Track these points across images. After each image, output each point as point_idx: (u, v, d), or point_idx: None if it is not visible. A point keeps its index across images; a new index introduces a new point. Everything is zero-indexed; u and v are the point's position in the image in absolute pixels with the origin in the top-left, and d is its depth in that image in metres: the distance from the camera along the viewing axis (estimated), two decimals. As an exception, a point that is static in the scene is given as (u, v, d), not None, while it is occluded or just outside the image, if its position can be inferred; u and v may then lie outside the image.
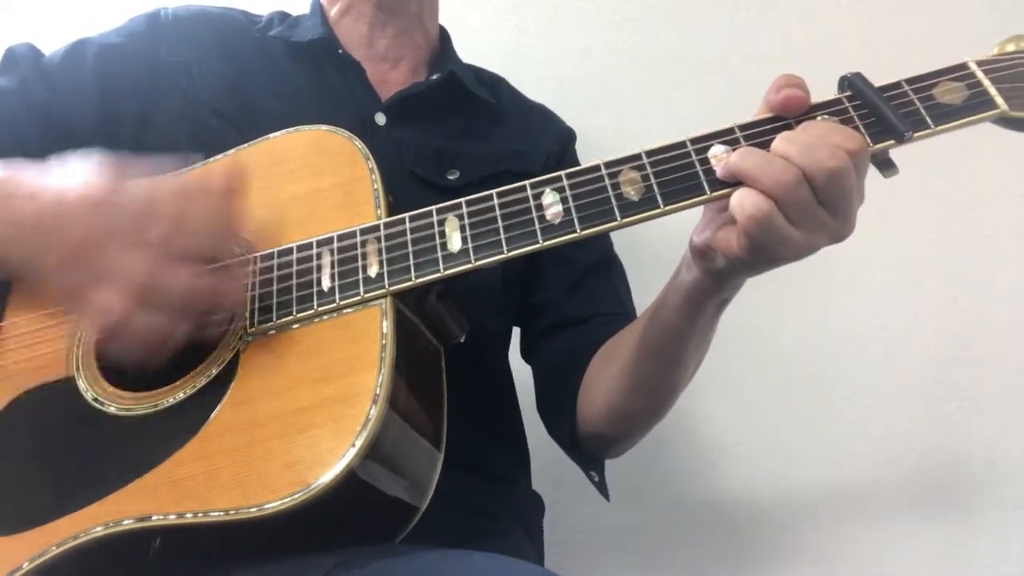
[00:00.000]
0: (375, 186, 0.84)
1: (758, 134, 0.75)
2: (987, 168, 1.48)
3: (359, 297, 0.77)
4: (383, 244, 0.79)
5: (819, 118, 0.75)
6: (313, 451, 0.69)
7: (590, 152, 1.24)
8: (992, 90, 0.74)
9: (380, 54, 1.14)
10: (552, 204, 0.77)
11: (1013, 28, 0.79)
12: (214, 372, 0.78)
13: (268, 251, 0.83)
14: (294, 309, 0.79)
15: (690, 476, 1.50)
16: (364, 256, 0.79)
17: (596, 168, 0.77)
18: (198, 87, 1.04)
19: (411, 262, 0.78)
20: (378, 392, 0.70)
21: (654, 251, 1.19)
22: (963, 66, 0.76)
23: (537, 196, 0.77)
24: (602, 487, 1.08)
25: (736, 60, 1.53)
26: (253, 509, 0.67)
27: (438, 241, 0.78)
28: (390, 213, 0.82)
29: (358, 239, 0.80)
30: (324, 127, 0.91)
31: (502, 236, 0.77)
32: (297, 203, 0.86)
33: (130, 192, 0.74)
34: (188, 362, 0.79)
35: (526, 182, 0.78)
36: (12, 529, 0.74)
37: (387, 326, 0.75)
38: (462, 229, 0.78)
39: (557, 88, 1.50)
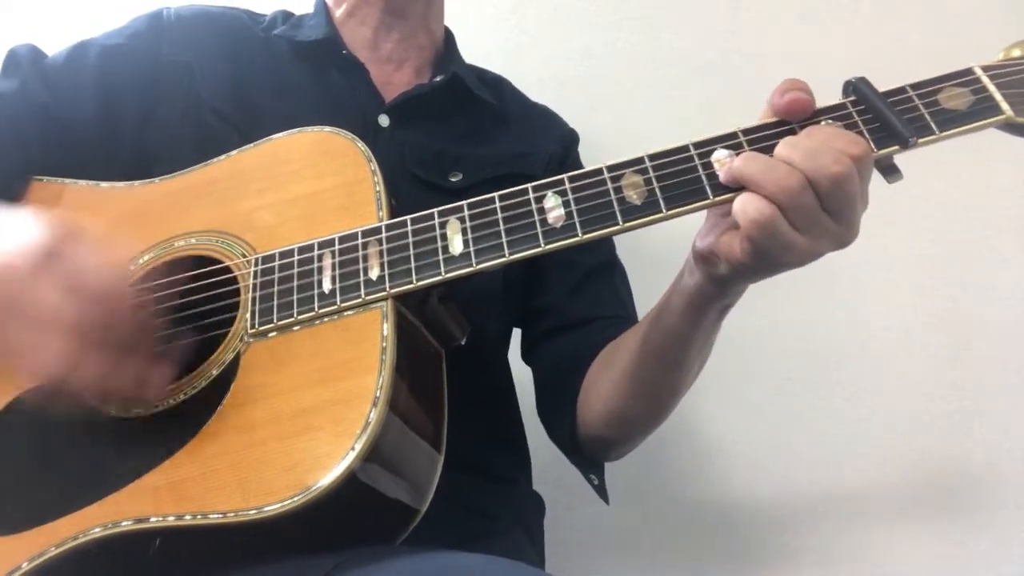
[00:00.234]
0: (377, 188, 0.84)
1: (762, 138, 0.74)
2: (988, 168, 1.47)
3: (360, 299, 0.77)
4: (384, 246, 0.79)
5: (823, 123, 0.74)
6: (312, 454, 0.69)
7: (590, 152, 1.24)
8: (998, 96, 0.73)
9: (384, 56, 1.13)
10: (554, 207, 0.76)
11: (1020, 34, 0.79)
12: (214, 373, 0.78)
13: (269, 252, 0.83)
14: (295, 311, 0.78)
15: (690, 476, 1.50)
16: (365, 258, 0.79)
17: (598, 171, 0.77)
18: (200, 87, 1.04)
19: (412, 265, 0.78)
20: (378, 395, 0.70)
21: (656, 255, 1.18)
22: (968, 71, 0.75)
23: (539, 199, 0.77)
24: (602, 491, 1.08)
25: (736, 60, 1.53)
26: (252, 511, 0.67)
27: (440, 244, 0.78)
28: (392, 215, 0.82)
29: (359, 241, 0.80)
30: (327, 128, 0.91)
31: (504, 239, 0.76)
32: (299, 204, 0.86)
33: (61, 265, 0.71)
34: (189, 363, 0.79)
35: (528, 185, 0.78)
36: (12, 529, 0.74)
37: (388, 329, 0.75)
38: (464, 232, 0.78)
39: (557, 88, 1.50)
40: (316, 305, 0.78)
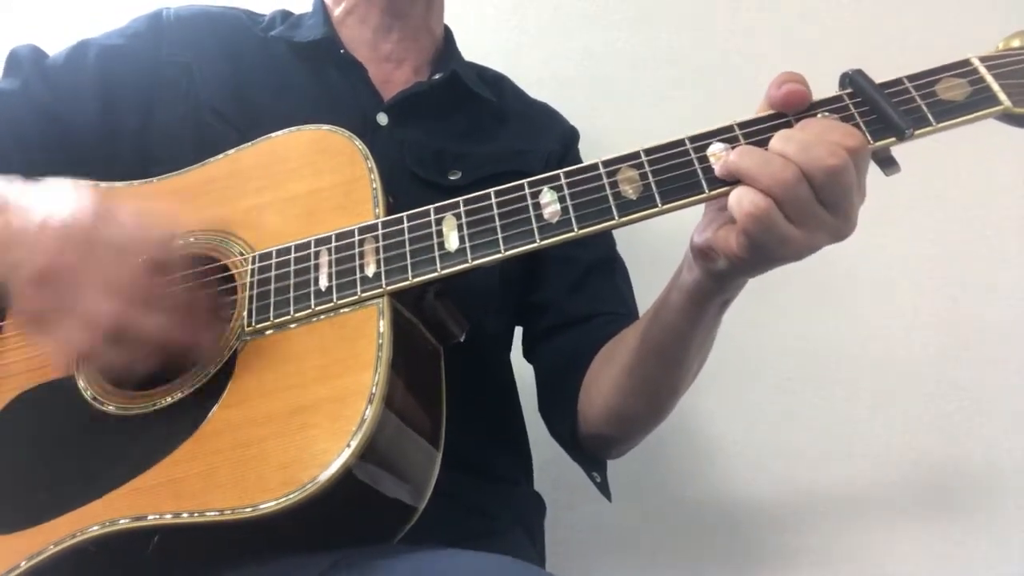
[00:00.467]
0: (374, 185, 0.84)
1: (757, 132, 0.74)
2: (988, 167, 1.47)
3: (356, 297, 0.77)
4: (381, 243, 0.79)
5: (819, 115, 0.74)
6: (309, 451, 0.69)
7: (590, 152, 1.24)
8: (995, 86, 0.73)
9: (384, 55, 1.13)
10: (550, 203, 0.76)
11: (1018, 24, 0.78)
12: (211, 371, 0.78)
13: (266, 250, 0.83)
14: (291, 309, 0.78)
15: (690, 476, 1.50)
16: (362, 255, 0.79)
17: (594, 167, 0.77)
18: (199, 87, 1.04)
19: (408, 261, 0.78)
20: (374, 391, 0.70)
21: (655, 251, 1.18)
22: (966, 62, 0.75)
23: (535, 195, 0.77)
24: (604, 488, 1.08)
25: (736, 60, 1.53)
26: (248, 509, 0.67)
27: (435, 240, 0.78)
28: (389, 213, 0.82)
29: (356, 238, 0.80)
30: (325, 127, 0.91)
31: (499, 235, 0.76)
32: (297, 202, 0.86)
33: (110, 230, 0.75)
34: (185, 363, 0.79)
35: (524, 181, 0.78)
36: (11, 528, 0.74)
37: (384, 325, 0.75)
38: (460, 228, 0.78)
39: (557, 88, 1.50)
40: (313, 303, 0.78)
